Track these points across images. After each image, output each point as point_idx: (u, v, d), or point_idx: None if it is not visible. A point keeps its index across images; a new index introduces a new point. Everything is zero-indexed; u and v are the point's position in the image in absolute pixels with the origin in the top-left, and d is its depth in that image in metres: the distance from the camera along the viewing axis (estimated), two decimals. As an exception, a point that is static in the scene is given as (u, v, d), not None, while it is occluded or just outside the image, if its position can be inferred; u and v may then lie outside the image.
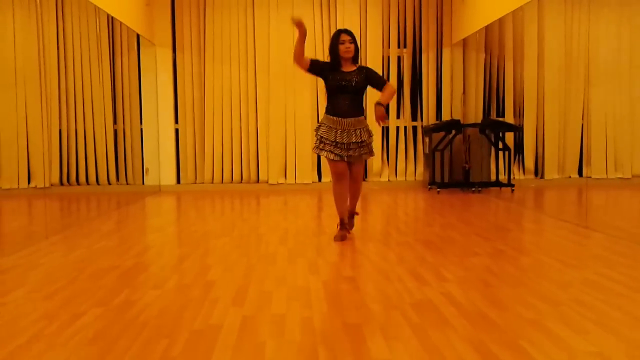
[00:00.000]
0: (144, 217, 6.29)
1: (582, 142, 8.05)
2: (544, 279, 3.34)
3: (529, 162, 8.46)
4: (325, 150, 4.49)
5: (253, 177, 8.70)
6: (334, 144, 4.47)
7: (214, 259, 4.05)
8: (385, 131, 8.75)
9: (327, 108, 4.57)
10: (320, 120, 4.64)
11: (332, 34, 4.74)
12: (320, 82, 8.53)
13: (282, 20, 8.52)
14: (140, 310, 2.87)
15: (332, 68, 4.54)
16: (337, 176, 4.57)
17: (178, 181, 8.74)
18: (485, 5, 7.11)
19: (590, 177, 7.62)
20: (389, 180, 8.73)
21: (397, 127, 8.75)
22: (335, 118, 4.49)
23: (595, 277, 3.38)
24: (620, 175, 7.62)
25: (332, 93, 4.52)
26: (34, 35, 7.80)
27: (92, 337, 2.52)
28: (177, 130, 8.70)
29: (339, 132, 4.46)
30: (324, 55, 8.58)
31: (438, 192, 7.98)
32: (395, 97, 8.71)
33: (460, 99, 8.67)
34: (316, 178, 8.65)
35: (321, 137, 4.51)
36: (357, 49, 4.55)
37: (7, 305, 3.02)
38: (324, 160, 8.65)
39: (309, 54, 8.46)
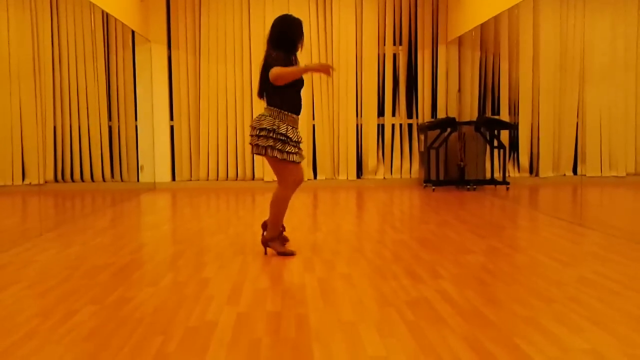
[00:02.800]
0: (138, 215, 6.27)
1: (577, 140, 8.08)
2: (538, 277, 3.35)
3: (524, 160, 8.49)
4: (299, 155, 3.95)
5: (248, 174, 8.69)
6: (298, 144, 3.96)
7: (209, 256, 4.04)
8: (381, 129, 8.76)
9: (287, 105, 3.90)
10: (273, 120, 3.88)
11: (296, 24, 3.99)
12: (316, 79, 8.58)
13: (278, 18, 8.50)
14: (135, 308, 2.87)
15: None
16: (299, 182, 4.04)
17: (173, 178, 8.73)
18: (481, 3, 7.12)
19: (585, 175, 7.65)
20: (384, 178, 8.73)
21: (393, 125, 8.76)
22: (296, 116, 3.98)
23: (590, 274, 3.39)
24: (614, 174, 7.65)
25: (298, 87, 3.98)
26: (28, 32, 7.77)
27: (87, 334, 2.51)
28: (172, 127, 8.69)
29: (297, 130, 3.98)
30: (319, 55, 8.58)
31: (433, 189, 7.99)
32: (390, 94, 8.73)
33: (456, 96, 8.67)
34: (311, 175, 8.65)
35: (289, 138, 3.88)
36: (270, 36, 3.98)
37: (1, 302, 3.01)
38: (320, 158, 8.65)
39: (304, 51, 8.50)
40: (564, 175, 8.19)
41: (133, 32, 8.09)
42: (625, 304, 2.84)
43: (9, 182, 7.51)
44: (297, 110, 3.97)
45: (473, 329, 2.50)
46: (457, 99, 8.68)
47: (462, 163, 8.17)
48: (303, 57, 8.57)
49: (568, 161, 8.23)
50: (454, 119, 8.06)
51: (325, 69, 3.84)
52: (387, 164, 8.78)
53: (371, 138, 8.69)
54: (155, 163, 8.61)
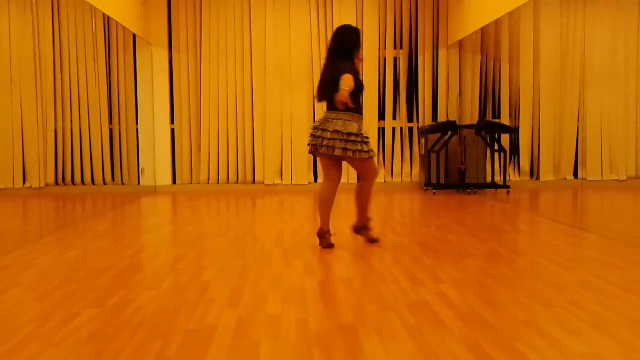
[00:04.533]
0: (139, 218, 6.27)
1: (578, 144, 8.08)
2: (539, 281, 3.35)
3: (525, 163, 8.48)
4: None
5: (249, 177, 8.69)
6: None
7: (209, 259, 4.04)
8: (382, 132, 8.77)
9: (360, 108, 4.34)
10: (357, 125, 4.23)
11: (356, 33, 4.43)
12: (317, 83, 8.56)
13: (279, 20, 8.52)
14: (135, 311, 2.87)
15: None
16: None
17: (174, 182, 8.73)
18: (482, 6, 7.13)
19: (585, 179, 7.64)
20: (384, 181, 8.73)
21: (393, 129, 8.76)
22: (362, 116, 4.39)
23: (591, 278, 3.38)
24: (615, 177, 7.64)
25: (362, 92, 4.40)
26: (29, 35, 7.78)
27: (87, 337, 2.51)
28: (173, 131, 8.69)
29: None
30: (320, 59, 8.59)
31: (434, 193, 7.99)
32: (390, 98, 8.74)
33: (456, 100, 8.68)
34: (312, 179, 8.65)
35: (368, 138, 4.28)
36: (330, 46, 4.40)
37: (1, 305, 3.01)
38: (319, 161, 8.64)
39: (305, 54, 8.51)
40: (565, 178, 8.18)
41: (134, 35, 8.10)
42: (626, 308, 2.84)
43: (10, 185, 7.51)
44: (362, 111, 4.43)
45: (473, 333, 2.50)
46: (458, 103, 8.68)
47: (462, 167, 8.17)
48: (302, 59, 8.59)
49: (569, 165, 8.22)
50: (454, 122, 8.06)
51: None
52: (388, 167, 8.79)
53: (372, 141, 8.68)
54: (156, 166, 8.61)
